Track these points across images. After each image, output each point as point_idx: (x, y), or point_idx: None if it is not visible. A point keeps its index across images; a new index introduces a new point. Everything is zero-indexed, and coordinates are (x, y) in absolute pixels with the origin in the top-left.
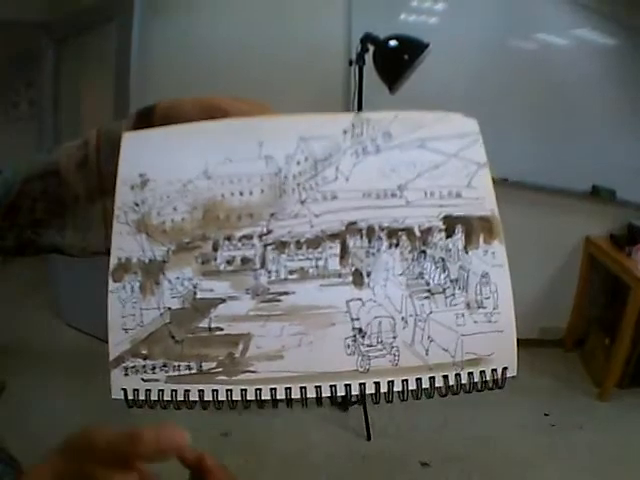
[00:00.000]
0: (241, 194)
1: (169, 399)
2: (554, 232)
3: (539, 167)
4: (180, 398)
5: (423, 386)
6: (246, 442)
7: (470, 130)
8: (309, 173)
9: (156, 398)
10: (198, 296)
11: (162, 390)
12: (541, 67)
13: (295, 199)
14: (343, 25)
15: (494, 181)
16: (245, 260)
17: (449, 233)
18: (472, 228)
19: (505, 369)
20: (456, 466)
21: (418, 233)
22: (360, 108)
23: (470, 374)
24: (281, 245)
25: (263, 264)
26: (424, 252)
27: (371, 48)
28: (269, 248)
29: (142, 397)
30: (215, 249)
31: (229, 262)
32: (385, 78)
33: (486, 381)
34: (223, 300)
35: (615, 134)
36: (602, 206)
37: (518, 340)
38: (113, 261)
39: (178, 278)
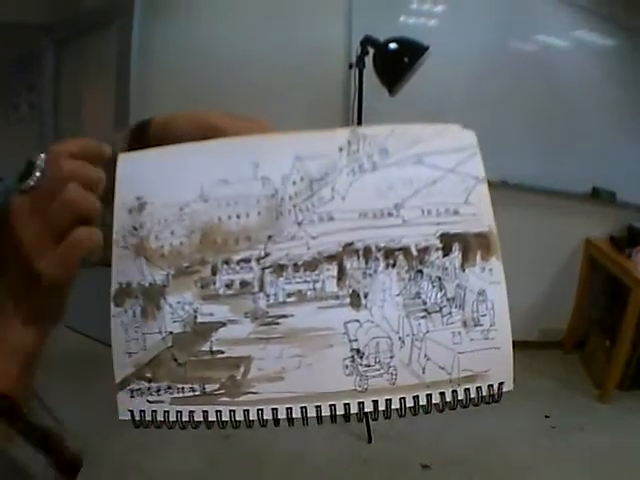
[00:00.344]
0: (238, 217)
1: (174, 420)
2: (554, 234)
3: (539, 169)
4: (185, 419)
5: (420, 403)
6: (247, 445)
7: (468, 143)
8: (305, 194)
9: (162, 419)
10: (199, 320)
11: (167, 411)
12: (541, 69)
13: (292, 221)
14: (343, 28)
15: (494, 184)
16: (244, 284)
17: (446, 251)
18: (469, 245)
19: (501, 384)
20: (457, 468)
21: (415, 252)
22: (360, 111)
23: (467, 390)
24: (279, 268)
25: (262, 287)
26: (421, 272)
27: (371, 51)
28: (267, 271)
29: (148, 418)
30: (214, 273)
31: (228, 286)
32: (385, 81)
33: (482, 396)
34: (223, 324)
35: (615, 136)
36: (602, 208)
37: (517, 342)
38: (114, 286)
39: (179, 302)
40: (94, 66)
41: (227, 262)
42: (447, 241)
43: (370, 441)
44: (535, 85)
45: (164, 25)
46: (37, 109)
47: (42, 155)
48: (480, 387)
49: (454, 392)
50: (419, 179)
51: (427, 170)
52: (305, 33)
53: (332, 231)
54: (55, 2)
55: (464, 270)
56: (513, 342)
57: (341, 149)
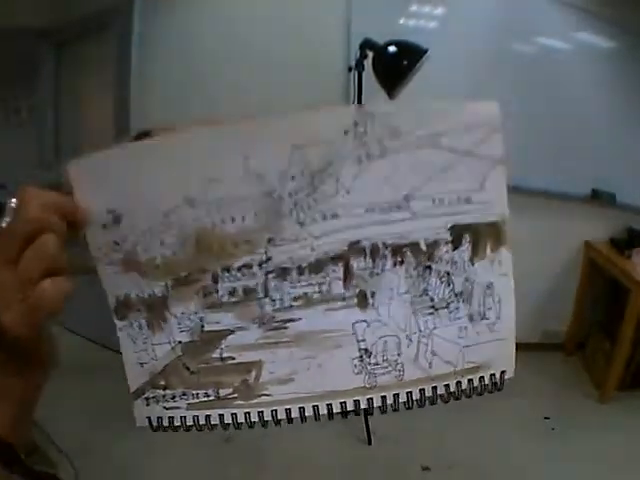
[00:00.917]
0: (233, 220)
1: (192, 424)
2: (554, 236)
3: (539, 171)
4: (202, 422)
5: (426, 395)
6: (247, 447)
7: (489, 118)
8: (306, 190)
9: (179, 424)
10: (206, 329)
11: (184, 417)
12: (540, 71)
13: (293, 221)
14: (342, 31)
15: None
16: (247, 290)
17: (456, 244)
18: (479, 237)
19: (503, 372)
20: (457, 470)
21: (424, 248)
22: None
23: (470, 380)
24: (282, 272)
25: (266, 293)
26: (429, 267)
27: (370, 54)
28: (270, 276)
29: (166, 424)
30: (215, 281)
31: (231, 293)
32: (384, 84)
33: (485, 385)
34: (231, 331)
35: (615, 137)
36: (602, 210)
37: (519, 344)
38: (111, 300)
39: (183, 313)
40: (94, 69)
41: (227, 269)
42: (457, 233)
43: (370, 443)
44: (535, 88)
45: (163, 28)
46: (37, 112)
47: (14, 199)
48: (483, 377)
49: (458, 383)
50: (432, 163)
51: (441, 153)
52: (304, 36)
53: (337, 229)
54: (54, 6)
55: (473, 264)
56: (515, 343)
57: (346, 132)
